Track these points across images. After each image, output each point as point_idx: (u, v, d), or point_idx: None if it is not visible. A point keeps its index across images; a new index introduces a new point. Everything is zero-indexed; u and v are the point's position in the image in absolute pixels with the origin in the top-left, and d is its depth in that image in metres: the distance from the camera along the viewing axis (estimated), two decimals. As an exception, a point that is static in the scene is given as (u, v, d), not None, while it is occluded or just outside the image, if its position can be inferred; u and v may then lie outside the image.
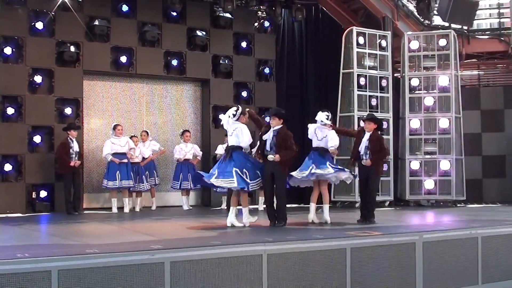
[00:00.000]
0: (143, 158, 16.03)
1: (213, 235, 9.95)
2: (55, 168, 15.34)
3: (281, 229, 10.86)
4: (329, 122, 12.05)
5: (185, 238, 9.65)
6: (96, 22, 16.33)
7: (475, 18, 19.74)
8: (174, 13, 17.52)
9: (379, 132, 12.48)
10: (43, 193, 15.28)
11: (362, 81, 17.41)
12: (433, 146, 17.90)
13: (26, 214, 14.70)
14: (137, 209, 15.75)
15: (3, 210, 14.28)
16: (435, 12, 19.56)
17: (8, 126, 15.10)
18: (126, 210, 15.35)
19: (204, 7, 18.01)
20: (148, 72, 17.29)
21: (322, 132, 12.02)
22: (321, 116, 12.10)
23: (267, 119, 11.99)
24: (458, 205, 17.57)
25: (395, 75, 18.79)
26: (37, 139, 15.37)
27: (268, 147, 11.19)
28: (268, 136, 11.25)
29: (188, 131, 16.73)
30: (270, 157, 11.02)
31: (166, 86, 18.04)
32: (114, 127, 15.62)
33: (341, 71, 17.51)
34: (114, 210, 15.28)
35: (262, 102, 18.60)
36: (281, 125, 11.26)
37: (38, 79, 15.55)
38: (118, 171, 15.18)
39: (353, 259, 8.87)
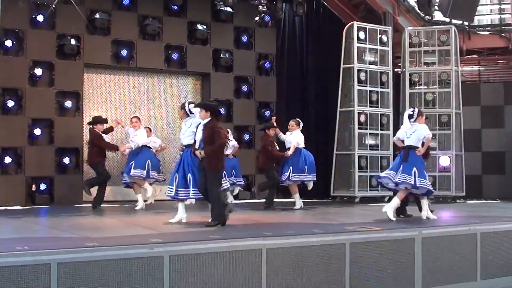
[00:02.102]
0: None
1: (212, 229, 9.95)
2: (93, 160, 14.37)
3: (280, 224, 10.87)
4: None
5: (184, 232, 9.66)
6: (97, 15, 16.31)
7: (476, 13, 19.73)
8: (175, 7, 17.49)
9: None
10: (42, 186, 15.29)
11: (363, 76, 17.43)
12: (433, 141, 17.83)
13: (26, 207, 14.71)
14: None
15: (3, 203, 14.29)
16: (436, 7, 19.58)
17: (8, 118, 15.10)
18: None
19: (204, 1, 17.98)
20: (149, 65, 17.29)
21: (411, 128, 11.66)
22: (405, 114, 11.98)
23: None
24: (458, 201, 17.59)
25: (396, 70, 18.80)
26: (37, 131, 15.37)
27: (197, 143, 10.68)
28: (198, 132, 10.80)
29: None
30: (197, 153, 10.58)
31: (167, 79, 18.04)
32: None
33: (342, 66, 17.52)
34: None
35: (263, 96, 18.63)
36: (209, 118, 10.57)
37: (38, 72, 15.54)
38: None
39: (352, 254, 8.87)
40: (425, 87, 18.35)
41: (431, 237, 9.75)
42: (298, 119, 15.02)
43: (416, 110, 11.84)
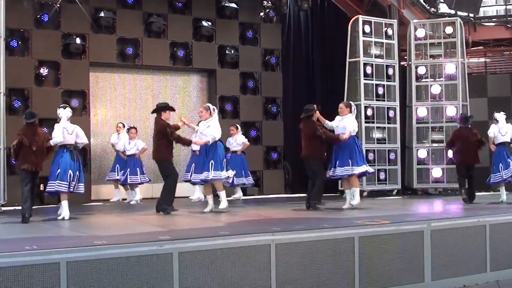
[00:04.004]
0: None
1: (221, 225, 9.97)
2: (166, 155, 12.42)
3: (289, 219, 10.87)
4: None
5: (193, 228, 9.66)
6: (102, 14, 16.34)
7: (481, 5, 19.66)
8: (180, 4, 17.53)
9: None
10: (51, 185, 15.27)
11: (369, 69, 17.38)
12: (440, 134, 17.87)
13: (34, 207, 14.65)
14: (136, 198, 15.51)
15: (12, 203, 14.28)
16: (441, -1, 19.53)
17: (15, 119, 15.02)
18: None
19: (209, -3, 18.02)
20: (154, 63, 17.30)
21: (505, 127, 14.22)
22: (501, 116, 14.33)
23: None
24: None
25: (402, 63, 18.76)
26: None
27: None
28: None
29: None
30: None
31: (172, 77, 18.06)
32: (128, 130, 15.65)
33: (348, 60, 17.49)
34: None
35: (269, 92, 18.63)
36: None
37: (44, 71, 15.58)
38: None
39: (361, 248, 8.87)
40: (432, 79, 18.30)
41: (439, 229, 9.74)
42: (350, 102, 13.84)
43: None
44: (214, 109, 12.67)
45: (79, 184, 11.64)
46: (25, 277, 6.60)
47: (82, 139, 11.77)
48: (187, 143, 12.78)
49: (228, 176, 12.52)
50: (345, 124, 12.82)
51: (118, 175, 15.59)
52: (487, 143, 14.38)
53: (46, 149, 11.48)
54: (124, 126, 15.84)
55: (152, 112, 12.67)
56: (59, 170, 11.43)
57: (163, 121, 12.28)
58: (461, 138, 14.36)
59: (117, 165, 15.69)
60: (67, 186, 11.44)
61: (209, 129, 12.30)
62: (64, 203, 11.51)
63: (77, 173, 11.54)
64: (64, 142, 11.50)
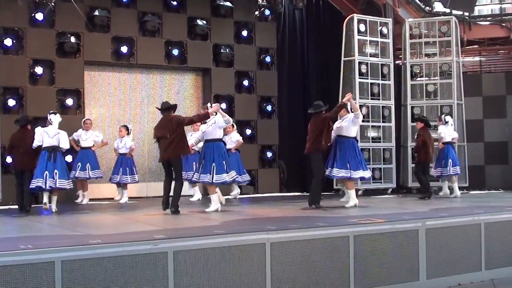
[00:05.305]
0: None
1: (216, 224, 9.95)
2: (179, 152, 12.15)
3: (284, 218, 10.87)
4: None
5: (188, 227, 9.65)
6: (96, 13, 16.30)
7: (476, 4, 19.68)
8: (174, 2, 17.50)
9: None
10: (45, 184, 15.23)
11: (364, 68, 17.38)
12: (435, 133, 17.84)
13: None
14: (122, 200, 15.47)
15: (6, 202, 14.27)
16: (436, -2, 19.54)
17: (9, 118, 15.03)
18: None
19: (204, -4, 17.98)
20: (149, 62, 17.27)
21: (450, 129, 16.31)
22: (450, 119, 16.58)
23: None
24: (461, 191, 17.53)
25: (397, 62, 18.76)
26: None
27: None
28: None
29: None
30: None
31: (167, 75, 18.02)
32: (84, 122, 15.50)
33: (343, 58, 17.49)
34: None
35: (264, 91, 18.61)
36: None
37: (38, 70, 15.54)
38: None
39: (356, 247, 8.86)
40: (427, 78, 18.35)
41: (435, 228, 9.74)
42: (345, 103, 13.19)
43: None
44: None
45: (60, 180, 12.47)
46: (20, 276, 6.57)
47: (62, 144, 12.81)
48: (204, 116, 12.36)
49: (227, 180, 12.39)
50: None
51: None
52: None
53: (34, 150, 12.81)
54: (91, 123, 15.59)
55: (163, 110, 12.23)
56: (37, 170, 12.48)
57: (176, 116, 12.18)
58: (429, 138, 15.67)
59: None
60: (44, 184, 12.31)
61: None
62: (45, 198, 12.65)
63: (55, 171, 12.41)
64: (44, 145, 12.55)
